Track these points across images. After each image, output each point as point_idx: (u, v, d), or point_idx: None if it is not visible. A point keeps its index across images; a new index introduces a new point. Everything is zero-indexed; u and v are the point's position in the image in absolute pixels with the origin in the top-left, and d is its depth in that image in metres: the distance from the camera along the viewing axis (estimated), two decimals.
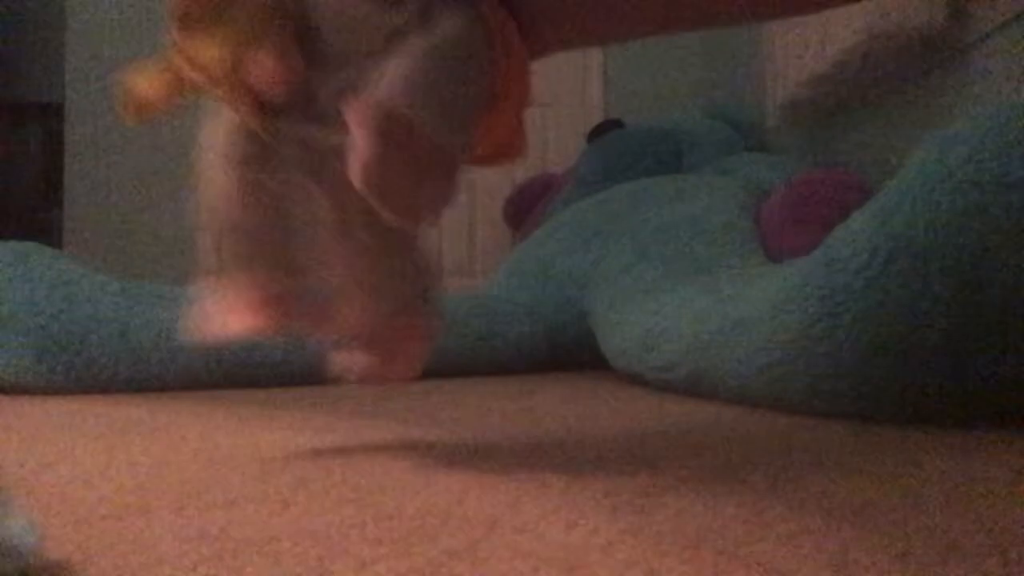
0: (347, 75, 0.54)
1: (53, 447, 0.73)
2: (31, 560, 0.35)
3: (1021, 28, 1.12)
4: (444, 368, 1.22)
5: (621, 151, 2.09)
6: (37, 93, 3.17)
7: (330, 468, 0.63)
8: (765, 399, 0.95)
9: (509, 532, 0.45)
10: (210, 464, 0.65)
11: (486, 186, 2.86)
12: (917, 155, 0.84)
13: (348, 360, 0.61)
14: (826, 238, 0.90)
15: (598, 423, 0.72)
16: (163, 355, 1.17)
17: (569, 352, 1.49)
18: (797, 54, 1.71)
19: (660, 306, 1.16)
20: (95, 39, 2.81)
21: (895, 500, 0.54)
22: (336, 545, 0.43)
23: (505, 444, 0.74)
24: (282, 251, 0.60)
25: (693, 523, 0.47)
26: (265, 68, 0.52)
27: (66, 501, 0.52)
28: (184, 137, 2.80)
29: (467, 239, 2.94)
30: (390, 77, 0.51)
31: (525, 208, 2.44)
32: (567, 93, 2.98)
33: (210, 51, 0.51)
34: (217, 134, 0.58)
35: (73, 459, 0.67)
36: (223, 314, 0.61)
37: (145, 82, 0.55)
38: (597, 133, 2.32)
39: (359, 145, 0.49)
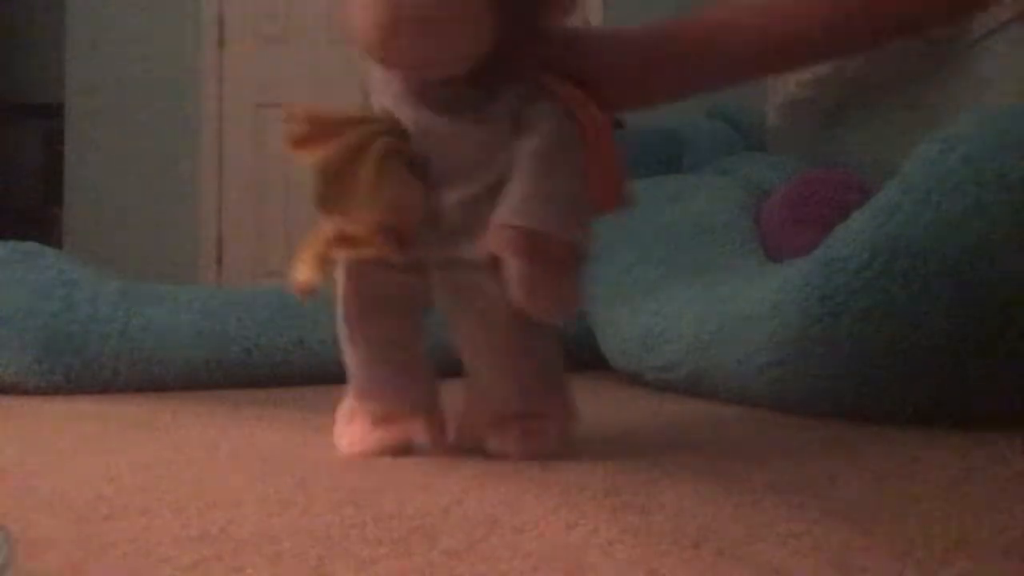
0: (467, 190, 0.60)
1: (53, 447, 0.73)
2: None
3: (1021, 28, 1.12)
4: (444, 368, 1.21)
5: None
6: (37, 93, 3.17)
7: (330, 468, 0.63)
8: (765, 399, 0.95)
9: (509, 532, 0.45)
10: (210, 464, 0.65)
11: None
12: (917, 155, 0.84)
13: (503, 440, 0.66)
14: (826, 238, 0.90)
15: (598, 423, 0.72)
16: (163, 355, 1.17)
17: (569, 352, 1.48)
18: None
19: (660, 306, 1.16)
20: (95, 39, 2.81)
21: (895, 500, 0.54)
22: (336, 545, 0.43)
23: None
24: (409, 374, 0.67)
25: (693, 523, 0.47)
26: (400, 206, 0.58)
27: (66, 501, 0.52)
28: (184, 137, 2.80)
29: None
30: (516, 199, 0.58)
31: None
32: None
33: (354, 217, 0.58)
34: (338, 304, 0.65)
35: (73, 459, 0.67)
36: (355, 432, 0.67)
37: (305, 269, 0.61)
38: None
39: (511, 268, 0.57)
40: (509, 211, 0.58)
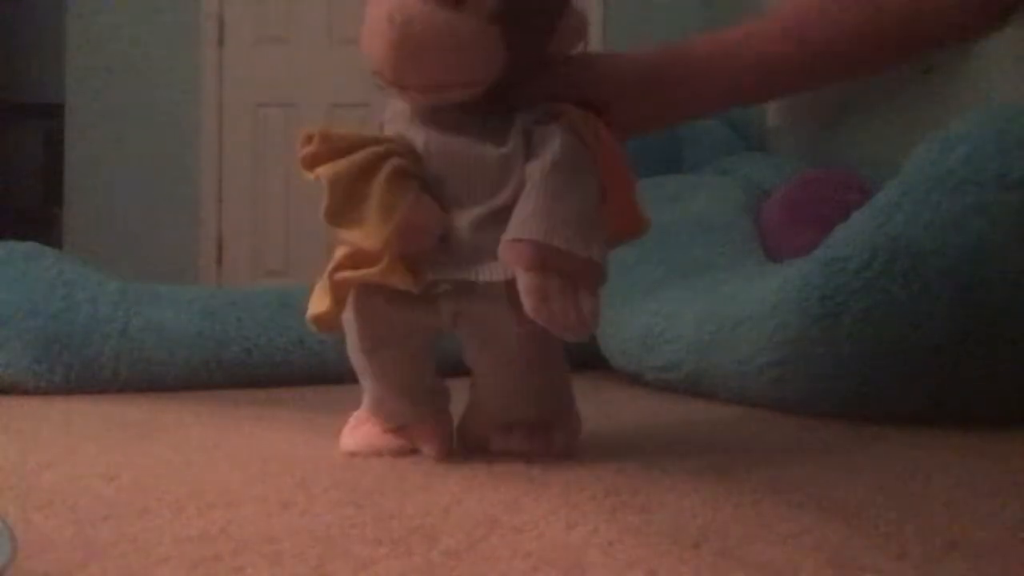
0: (479, 212, 0.60)
1: (53, 447, 0.73)
2: None
3: (1021, 28, 1.12)
4: (443, 368, 1.21)
5: None
6: (37, 93, 3.17)
7: (330, 468, 0.63)
8: (765, 399, 0.95)
9: (509, 532, 0.45)
10: (210, 464, 0.65)
11: None
12: (917, 155, 0.84)
13: (507, 439, 0.67)
14: (826, 238, 0.90)
15: (598, 423, 0.72)
16: (163, 355, 1.17)
17: (569, 352, 1.48)
18: None
19: (660, 306, 1.16)
20: (95, 39, 2.81)
21: (895, 500, 0.54)
22: (336, 545, 0.43)
23: None
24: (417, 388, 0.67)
25: (693, 523, 0.47)
26: (412, 227, 0.58)
27: (66, 501, 0.52)
28: (184, 137, 2.80)
29: None
30: (526, 214, 0.58)
31: None
32: None
33: (365, 241, 0.58)
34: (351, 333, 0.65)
35: (73, 459, 0.67)
36: (363, 436, 0.68)
37: (318, 303, 0.62)
38: None
39: (523, 281, 0.57)
40: (519, 226, 0.58)
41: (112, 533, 0.45)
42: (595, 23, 2.73)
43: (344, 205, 0.58)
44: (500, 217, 0.59)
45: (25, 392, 1.11)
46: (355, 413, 0.70)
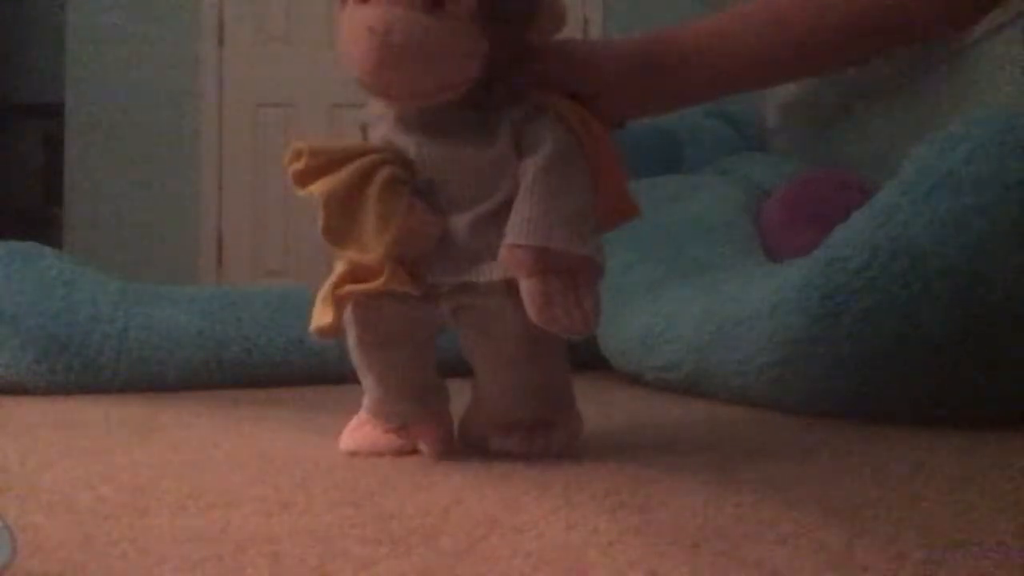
0: (475, 213, 0.60)
1: (53, 447, 0.73)
2: None
3: (1021, 28, 1.12)
4: (443, 368, 1.21)
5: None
6: (37, 93, 3.17)
7: (330, 468, 0.63)
8: (765, 399, 0.95)
9: (509, 532, 0.45)
10: (210, 464, 0.65)
11: None
12: (917, 155, 0.84)
13: (506, 439, 0.67)
14: (826, 238, 0.90)
15: (598, 423, 0.72)
16: (163, 355, 1.17)
17: (569, 352, 1.48)
18: None
19: (660, 306, 1.16)
20: (95, 39, 2.81)
21: (895, 500, 0.54)
22: (336, 545, 0.43)
23: None
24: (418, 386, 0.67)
25: (693, 523, 0.47)
26: (410, 234, 0.58)
27: (66, 501, 0.52)
28: (184, 137, 2.80)
29: None
30: (524, 218, 0.58)
31: None
32: None
33: (365, 247, 0.58)
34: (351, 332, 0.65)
35: (73, 459, 0.67)
36: (364, 436, 0.68)
37: (321, 315, 0.61)
38: None
39: (526, 288, 0.57)
40: (518, 231, 0.58)
41: (112, 533, 0.45)
42: (595, 22, 2.73)
43: (340, 221, 0.58)
44: (497, 216, 0.59)
45: (25, 392, 1.11)
46: (356, 415, 0.70)
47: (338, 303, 0.61)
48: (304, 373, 1.24)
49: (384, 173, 0.58)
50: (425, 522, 0.47)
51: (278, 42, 2.79)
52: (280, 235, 2.73)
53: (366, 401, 0.68)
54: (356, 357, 0.66)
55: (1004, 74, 1.16)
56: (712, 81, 0.69)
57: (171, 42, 2.80)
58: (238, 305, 1.26)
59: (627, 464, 0.63)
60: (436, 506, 0.51)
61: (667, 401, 1.06)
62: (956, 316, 0.78)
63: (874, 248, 0.82)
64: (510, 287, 0.59)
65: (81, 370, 1.13)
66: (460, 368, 0.68)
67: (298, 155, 0.59)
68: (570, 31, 0.68)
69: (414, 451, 0.67)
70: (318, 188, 0.58)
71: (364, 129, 0.66)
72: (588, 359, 1.25)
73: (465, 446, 0.68)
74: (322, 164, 0.59)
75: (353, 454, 0.67)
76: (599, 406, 0.96)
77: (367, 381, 0.67)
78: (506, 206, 0.59)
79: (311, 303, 0.63)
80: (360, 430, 0.69)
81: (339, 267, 0.61)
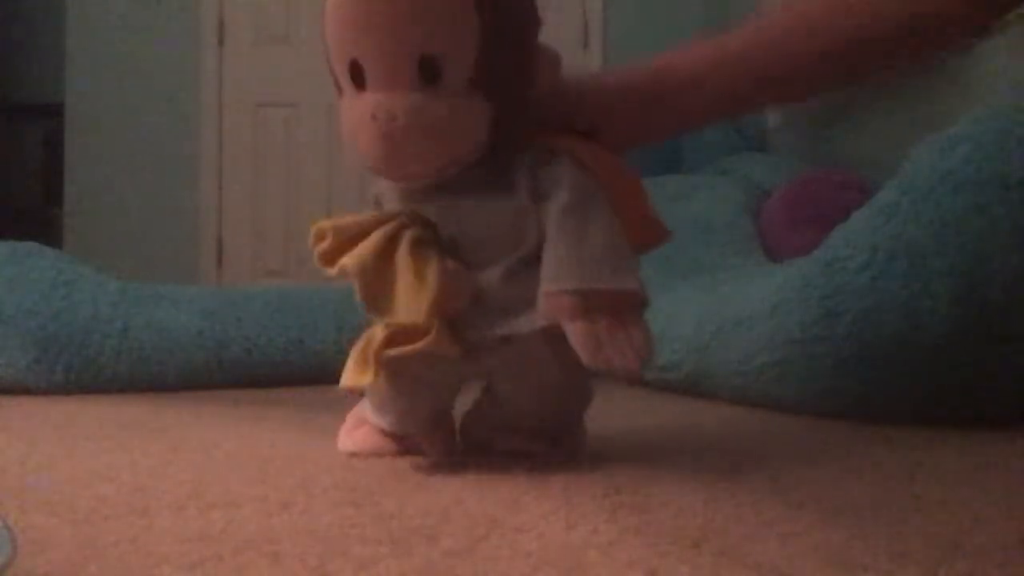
0: (504, 265, 0.59)
1: (53, 447, 0.73)
2: None
3: (1021, 28, 1.12)
4: None
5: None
6: (37, 93, 3.17)
7: (330, 468, 0.63)
8: (765, 399, 0.95)
9: (509, 532, 0.45)
10: (210, 464, 0.65)
11: None
12: (917, 155, 0.84)
13: (509, 439, 0.67)
14: (826, 238, 0.90)
15: (598, 423, 0.72)
16: (163, 355, 1.17)
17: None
18: None
19: (660, 306, 1.16)
20: (95, 39, 2.81)
21: (895, 500, 0.54)
22: (336, 545, 0.43)
23: None
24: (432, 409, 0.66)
25: (693, 523, 0.47)
26: (445, 291, 0.57)
27: (66, 501, 0.52)
28: (184, 137, 2.80)
29: None
30: (558, 262, 0.57)
31: None
32: None
33: (407, 318, 0.57)
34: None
35: (73, 459, 0.67)
36: (363, 437, 0.68)
37: (357, 376, 0.60)
38: None
39: (572, 333, 0.56)
40: (553, 276, 0.57)
41: (112, 533, 0.45)
42: (595, 22, 2.73)
43: (377, 289, 0.57)
44: (529, 265, 0.59)
45: (25, 392, 1.11)
46: (352, 410, 0.70)
47: (385, 366, 0.59)
48: (304, 373, 1.24)
49: (409, 235, 0.58)
50: (425, 522, 0.47)
51: (278, 42, 2.79)
52: (280, 235, 2.73)
53: (367, 401, 0.68)
54: (375, 393, 0.65)
55: (1005, 74, 1.16)
56: (717, 105, 0.69)
57: (171, 42, 2.80)
58: (238, 305, 1.26)
59: (627, 464, 0.63)
60: (436, 506, 0.51)
61: (667, 401, 1.06)
62: (956, 316, 0.78)
63: (874, 248, 0.82)
64: (547, 334, 0.58)
65: (81, 370, 1.13)
66: None
67: (322, 235, 0.59)
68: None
69: (414, 451, 0.67)
70: (349, 263, 0.57)
71: (378, 201, 0.65)
72: None
73: (466, 446, 0.68)
74: (347, 240, 0.58)
75: (352, 455, 0.67)
76: (599, 406, 0.96)
77: (380, 405, 0.66)
78: (535, 253, 0.59)
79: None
80: (359, 430, 0.69)
81: (378, 332, 0.59)
